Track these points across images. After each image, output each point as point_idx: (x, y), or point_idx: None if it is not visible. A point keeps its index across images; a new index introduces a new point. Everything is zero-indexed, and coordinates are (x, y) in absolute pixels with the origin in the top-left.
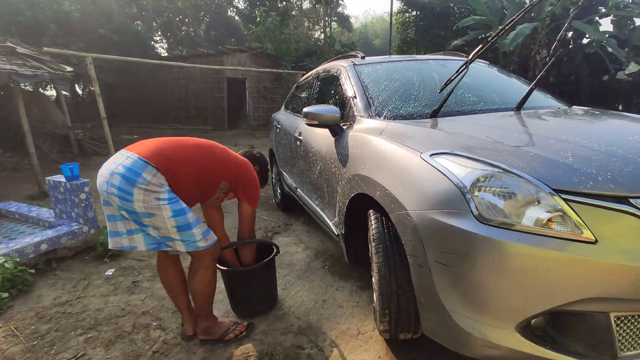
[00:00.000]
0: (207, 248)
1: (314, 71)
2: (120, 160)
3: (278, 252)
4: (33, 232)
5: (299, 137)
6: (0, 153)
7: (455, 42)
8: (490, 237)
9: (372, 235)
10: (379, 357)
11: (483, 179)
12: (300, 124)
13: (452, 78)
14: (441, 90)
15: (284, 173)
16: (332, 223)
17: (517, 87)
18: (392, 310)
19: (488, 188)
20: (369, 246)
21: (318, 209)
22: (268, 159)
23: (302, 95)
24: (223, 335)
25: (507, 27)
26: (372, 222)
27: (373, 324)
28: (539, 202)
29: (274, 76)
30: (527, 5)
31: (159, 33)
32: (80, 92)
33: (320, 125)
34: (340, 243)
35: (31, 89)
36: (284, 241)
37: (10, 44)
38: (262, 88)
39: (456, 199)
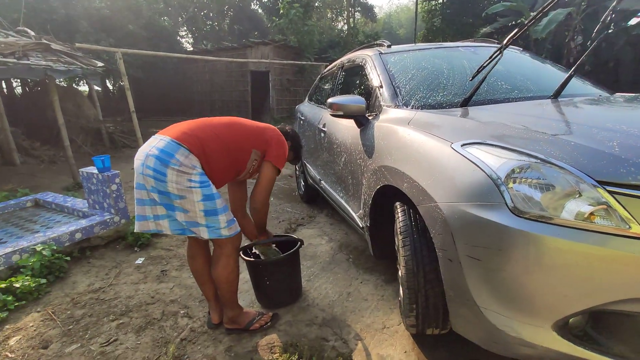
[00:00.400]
0: (229, 237)
1: (338, 61)
2: (154, 143)
3: (302, 244)
4: (68, 221)
5: (323, 129)
6: (38, 146)
7: (484, 29)
8: (526, 231)
9: (399, 228)
10: (405, 352)
11: (519, 170)
12: (324, 115)
13: (485, 65)
14: (473, 77)
15: (308, 165)
16: (357, 215)
17: (552, 73)
18: (419, 305)
19: (524, 179)
20: (395, 239)
21: (342, 201)
22: None
23: (326, 87)
24: (249, 324)
25: (545, 10)
26: (399, 214)
27: (398, 318)
28: (580, 195)
29: (297, 68)
30: None
31: (185, 28)
32: (111, 87)
33: (345, 115)
34: (365, 236)
35: (65, 85)
36: (308, 233)
37: (45, 41)
38: (285, 80)
39: (489, 191)
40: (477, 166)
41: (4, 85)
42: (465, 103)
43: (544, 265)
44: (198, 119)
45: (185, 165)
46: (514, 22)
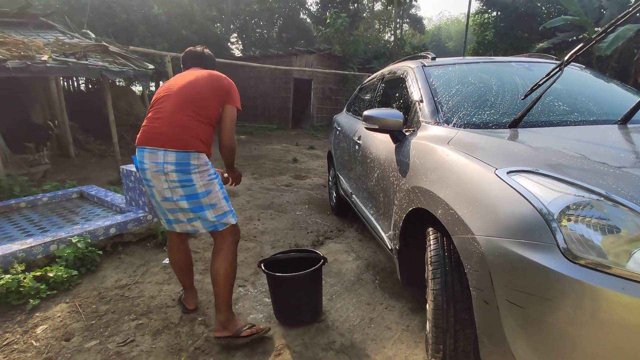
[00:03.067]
0: (235, 223)
1: (378, 73)
2: (161, 159)
3: (325, 262)
4: (106, 215)
5: (358, 141)
6: (92, 140)
7: (541, 44)
8: (582, 281)
9: (430, 257)
10: None
11: (575, 207)
12: (361, 127)
13: (541, 82)
14: (526, 96)
15: (341, 177)
16: (387, 236)
17: (620, 95)
18: (447, 347)
19: (581, 218)
20: (426, 268)
21: (372, 219)
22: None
23: (365, 98)
24: (239, 331)
25: (616, 24)
26: (431, 241)
27: (423, 353)
28: None
29: (339, 78)
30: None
31: (235, 35)
32: None
33: (381, 130)
34: (394, 259)
35: (124, 84)
36: (335, 248)
37: (104, 43)
38: (327, 89)
39: (538, 228)
40: (525, 198)
41: (67, 83)
42: (515, 124)
43: (601, 322)
44: (161, 105)
45: (201, 164)
46: (574, 38)
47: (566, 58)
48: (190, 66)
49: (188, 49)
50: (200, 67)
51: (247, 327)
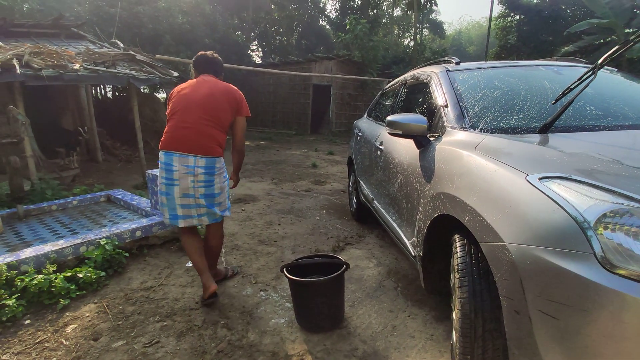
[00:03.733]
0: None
1: (400, 78)
2: (192, 163)
3: (348, 267)
4: (132, 219)
5: (380, 147)
6: (118, 146)
7: (566, 48)
8: (621, 292)
9: (457, 264)
10: None
11: (612, 214)
12: (383, 132)
13: (573, 86)
14: (556, 100)
15: (361, 182)
16: (410, 242)
17: None
18: (475, 357)
19: (619, 226)
20: (451, 276)
21: (395, 225)
22: (347, 167)
23: (387, 103)
24: (226, 274)
25: None
26: (458, 249)
27: None
28: None
29: (358, 83)
30: None
31: (256, 42)
32: None
33: (404, 135)
34: (417, 266)
35: (148, 92)
36: (355, 254)
37: (131, 52)
38: (347, 95)
39: (573, 235)
40: (559, 205)
41: (95, 91)
42: (546, 129)
43: None
44: (184, 112)
45: (221, 167)
46: (602, 41)
47: (600, 61)
48: (202, 71)
49: (199, 53)
50: (211, 73)
51: (229, 272)
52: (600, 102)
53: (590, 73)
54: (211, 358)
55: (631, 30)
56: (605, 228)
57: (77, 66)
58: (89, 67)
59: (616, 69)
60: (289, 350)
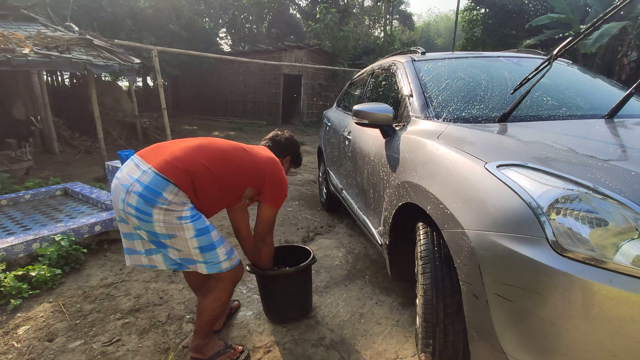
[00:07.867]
0: (230, 269)
1: (368, 68)
2: (136, 175)
3: (315, 260)
4: (91, 213)
5: (348, 137)
6: (77, 137)
7: (528, 41)
8: (570, 274)
9: (420, 251)
10: None
11: (564, 200)
12: (351, 122)
13: (530, 76)
14: (515, 90)
15: (331, 173)
16: (377, 232)
17: (606, 90)
18: (437, 341)
19: (570, 211)
20: (415, 263)
21: (362, 215)
22: (317, 157)
23: (355, 93)
24: (213, 357)
25: (602, 20)
26: (421, 236)
27: (413, 348)
28: (639, 235)
29: (329, 73)
30: (619, 1)
31: (224, 30)
32: (151, 84)
33: (371, 125)
34: (384, 254)
35: (110, 79)
36: (325, 243)
37: (89, 37)
38: (317, 85)
39: (527, 221)
40: (514, 191)
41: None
42: (505, 118)
43: (590, 316)
44: (189, 142)
45: (175, 203)
46: (560, 35)
47: (555, 52)
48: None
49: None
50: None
51: (223, 353)
52: (556, 93)
53: (546, 64)
54: (176, 354)
55: (585, 26)
56: (557, 213)
57: (26, 50)
58: (40, 51)
59: (572, 62)
60: (257, 343)
